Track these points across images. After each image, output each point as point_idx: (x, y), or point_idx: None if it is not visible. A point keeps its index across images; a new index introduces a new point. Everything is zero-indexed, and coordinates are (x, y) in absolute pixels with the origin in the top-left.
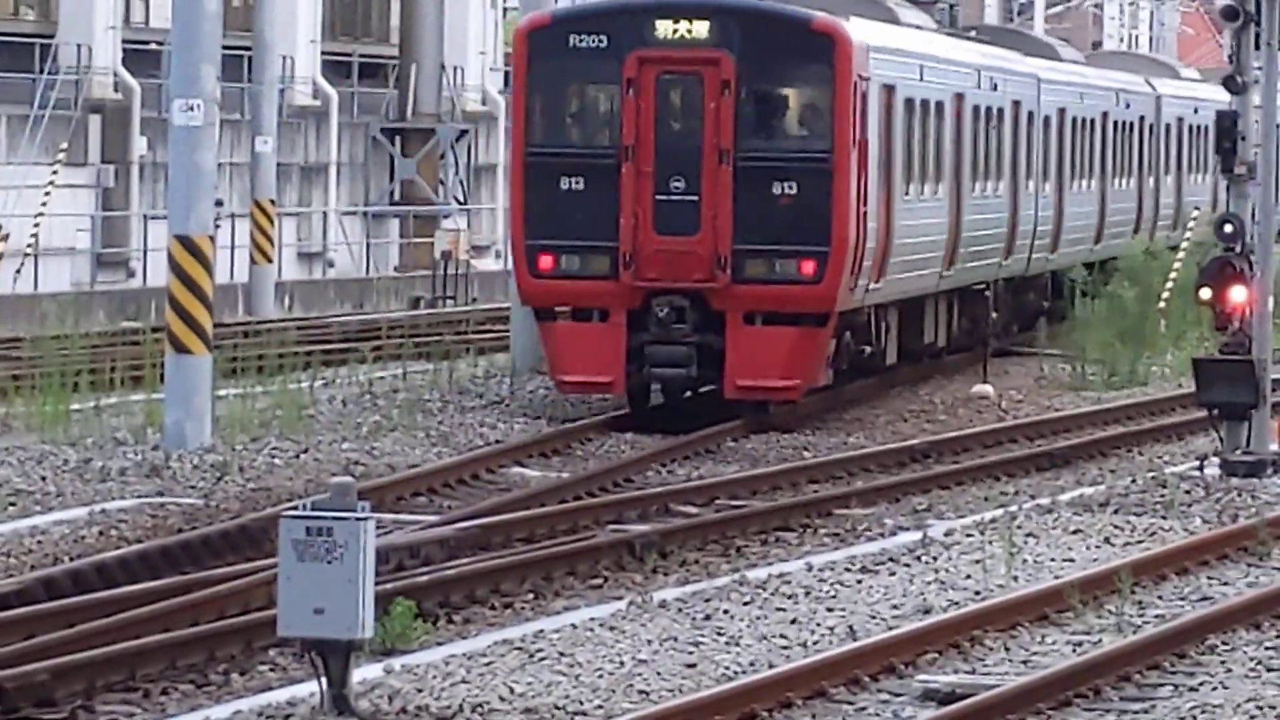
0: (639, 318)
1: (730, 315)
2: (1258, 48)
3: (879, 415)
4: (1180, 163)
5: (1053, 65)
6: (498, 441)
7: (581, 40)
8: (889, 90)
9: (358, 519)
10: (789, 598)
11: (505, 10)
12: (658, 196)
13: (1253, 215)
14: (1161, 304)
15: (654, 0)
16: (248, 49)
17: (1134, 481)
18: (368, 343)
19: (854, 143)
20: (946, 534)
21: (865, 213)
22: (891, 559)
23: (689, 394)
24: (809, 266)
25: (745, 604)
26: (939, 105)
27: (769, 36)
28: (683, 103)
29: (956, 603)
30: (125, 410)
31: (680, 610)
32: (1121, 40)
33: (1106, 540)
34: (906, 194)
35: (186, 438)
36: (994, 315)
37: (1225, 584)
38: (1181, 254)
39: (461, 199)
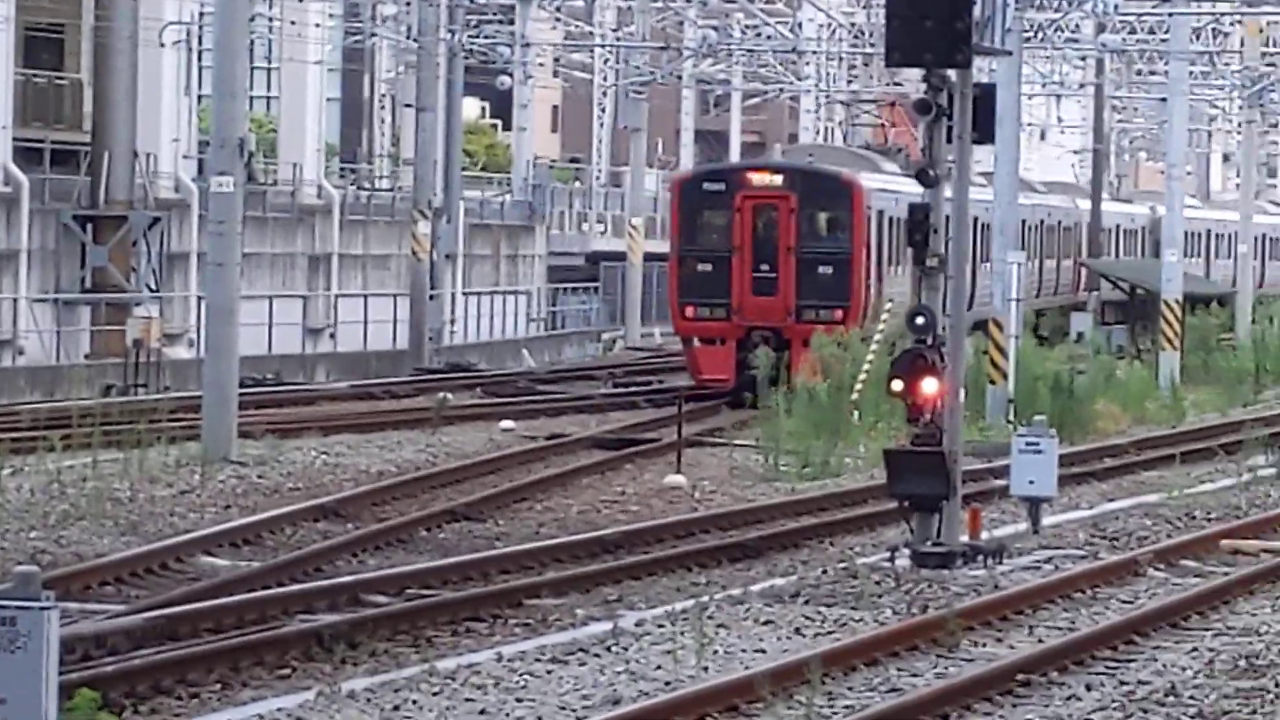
0: (743, 343)
1: (794, 341)
2: (950, 141)
3: (571, 505)
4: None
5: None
6: (187, 531)
7: (710, 186)
8: (880, 213)
9: (42, 608)
10: (479, 688)
11: (200, 98)
12: (753, 274)
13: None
14: (855, 394)
15: (751, 162)
16: None
17: (825, 572)
18: (57, 431)
19: (863, 244)
20: (638, 624)
21: (869, 284)
22: (582, 649)
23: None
24: (839, 314)
25: (434, 694)
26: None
27: (817, 184)
28: (766, 220)
29: (647, 693)
30: None
31: (369, 701)
32: (818, 133)
33: (797, 631)
34: (889, 272)
35: None
36: None
37: (915, 675)
38: (875, 345)
39: (154, 286)
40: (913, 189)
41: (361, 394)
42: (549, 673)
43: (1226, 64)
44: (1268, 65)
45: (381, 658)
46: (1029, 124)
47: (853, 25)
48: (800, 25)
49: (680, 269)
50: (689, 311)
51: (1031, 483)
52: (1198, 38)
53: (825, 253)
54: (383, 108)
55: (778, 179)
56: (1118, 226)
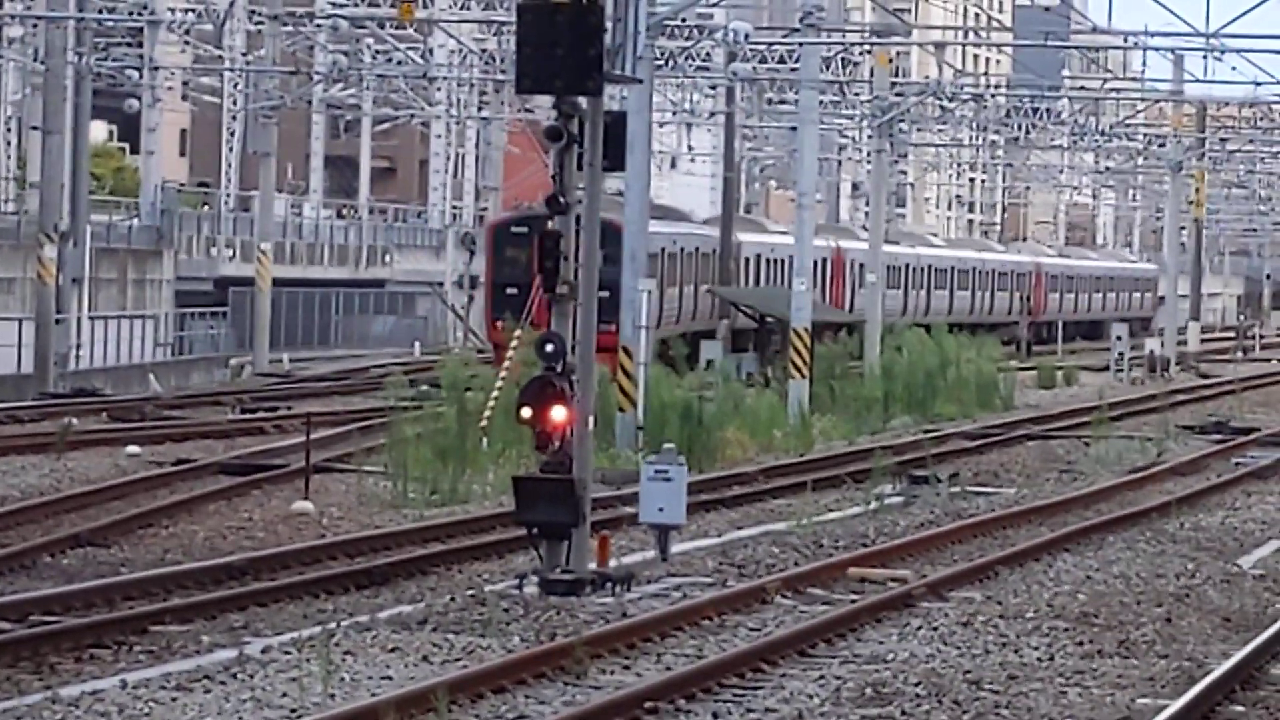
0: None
1: None
2: (580, 168)
3: (197, 532)
4: None
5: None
6: None
7: (516, 229)
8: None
9: None
10: (102, 716)
11: None
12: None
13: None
14: (484, 421)
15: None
16: None
17: (453, 600)
18: None
19: None
20: (264, 651)
21: None
22: (207, 676)
23: None
24: (612, 328)
25: None
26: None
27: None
28: None
29: None
30: None
31: None
32: (449, 159)
33: (425, 659)
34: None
35: None
36: None
37: (543, 703)
38: (504, 371)
39: None
40: (668, 229)
41: None
42: (174, 700)
43: (856, 94)
44: (896, 95)
45: (4, 685)
46: (660, 152)
47: (484, 51)
48: (431, 51)
49: (494, 292)
50: (499, 324)
51: (661, 510)
52: (828, 67)
53: (601, 281)
54: (9, 130)
55: None
56: (758, 255)
